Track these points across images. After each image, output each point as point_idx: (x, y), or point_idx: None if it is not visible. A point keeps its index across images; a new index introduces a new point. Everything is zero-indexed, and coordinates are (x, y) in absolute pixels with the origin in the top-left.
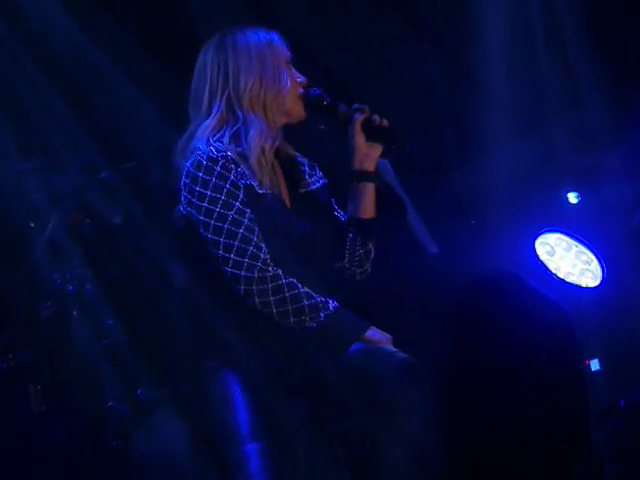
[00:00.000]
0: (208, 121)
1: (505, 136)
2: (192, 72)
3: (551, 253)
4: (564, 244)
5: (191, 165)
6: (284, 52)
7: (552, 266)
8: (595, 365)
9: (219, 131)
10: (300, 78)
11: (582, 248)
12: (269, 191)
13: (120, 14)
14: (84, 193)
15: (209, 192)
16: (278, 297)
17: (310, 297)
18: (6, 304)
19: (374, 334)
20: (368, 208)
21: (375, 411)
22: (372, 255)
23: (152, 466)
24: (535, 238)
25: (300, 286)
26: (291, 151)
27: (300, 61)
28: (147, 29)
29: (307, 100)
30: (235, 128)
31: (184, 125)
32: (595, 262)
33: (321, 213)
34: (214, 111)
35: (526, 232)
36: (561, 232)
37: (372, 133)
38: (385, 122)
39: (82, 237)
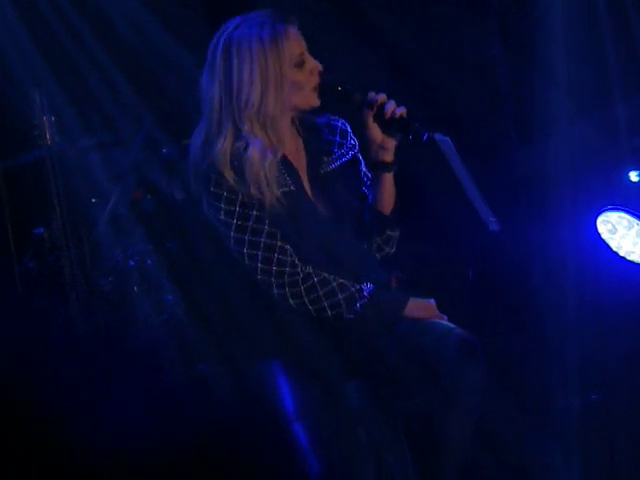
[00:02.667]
0: (220, 137)
1: (566, 115)
2: None
3: (613, 231)
4: (625, 222)
5: (202, 176)
6: (293, 48)
7: (614, 244)
8: None
9: (229, 144)
10: (316, 67)
11: None
12: (281, 190)
13: None
14: (145, 169)
15: (223, 205)
16: (312, 296)
17: (344, 289)
18: (66, 278)
19: (414, 309)
20: (386, 198)
21: (435, 389)
22: (393, 239)
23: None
24: (596, 217)
25: (332, 280)
26: (319, 123)
27: (362, 41)
28: (212, 7)
29: (322, 87)
30: (238, 143)
31: None
32: None
33: (346, 192)
34: (223, 124)
35: (587, 211)
36: (623, 210)
37: (385, 125)
38: (400, 112)
39: (143, 213)
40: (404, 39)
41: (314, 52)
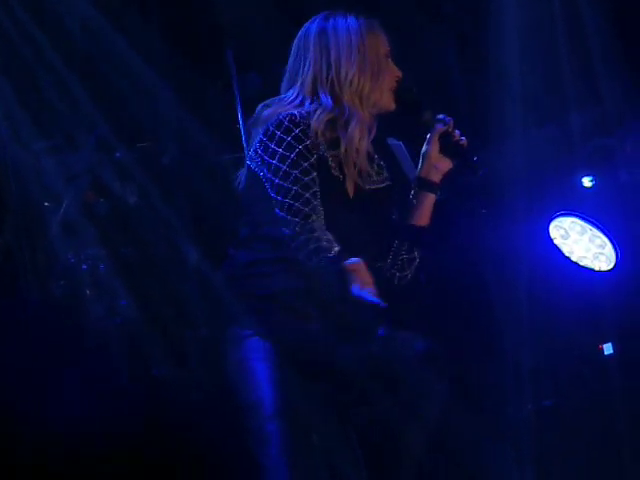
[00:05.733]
0: (317, 107)
1: (521, 121)
2: (208, 59)
3: (565, 237)
4: (578, 228)
5: (271, 124)
6: (384, 43)
7: (566, 249)
8: (608, 349)
9: (327, 113)
10: (397, 72)
11: (596, 232)
12: (340, 177)
13: (140, 1)
14: (99, 172)
15: (281, 150)
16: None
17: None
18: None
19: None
20: (423, 217)
21: (395, 398)
22: (415, 264)
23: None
24: (549, 222)
25: (335, 244)
26: (370, 145)
27: None
28: (164, 12)
29: (398, 94)
30: (336, 115)
31: (199, 107)
32: (609, 246)
33: (377, 212)
34: (321, 97)
35: (541, 216)
36: (575, 216)
37: (448, 147)
38: (464, 141)
39: (96, 216)
40: None
41: (266, 56)
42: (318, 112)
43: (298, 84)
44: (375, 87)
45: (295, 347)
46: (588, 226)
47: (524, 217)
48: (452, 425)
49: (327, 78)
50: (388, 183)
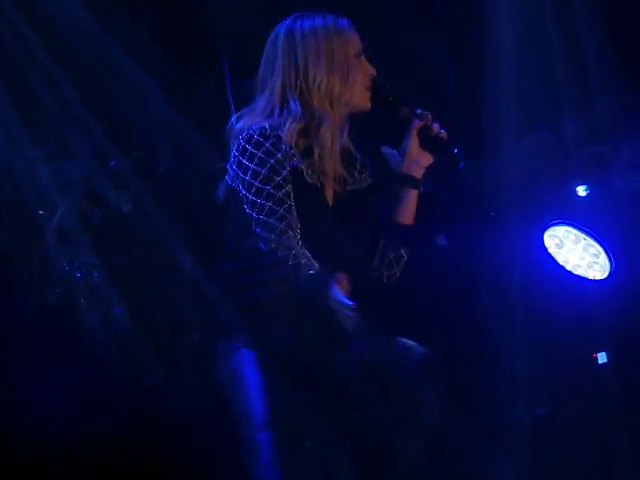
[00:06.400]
0: (287, 116)
1: (515, 130)
2: (200, 60)
3: (560, 245)
4: (572, 237)
5: (243, 138)
6: (354, 43)
7: (560, 258)
8: (602, 358)
9: (298, 122)
10: (370, 70)
11: (590, 241)
12: (318, 184)
13: (131, 1)
14: (93, 181)
15: (253, 165)
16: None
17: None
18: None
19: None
20: (407, 214)
21: (390, 405)
22: (403, 261)
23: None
24: (544, 230)
25: (313, 265)
26: (348, 144)
27: None
28: (157, 17)
29: (374, 93)
30: (306, 122)
31: (193, 113)
32: (603, 255)
33: (360, 214)
34: (290, 104)
35: (535, 224)
36: (570, 225)
37: (428, 142)
38: (444, 134)
39: (91, 225)
40: None
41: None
42: (289, 122)
43: (267, 92)
44: (345, 88)
45: (289, 356)
46: (582, 235)
47: (519, 226)
48: (448, 431)
49: (295, 84)
50: (371, 181)
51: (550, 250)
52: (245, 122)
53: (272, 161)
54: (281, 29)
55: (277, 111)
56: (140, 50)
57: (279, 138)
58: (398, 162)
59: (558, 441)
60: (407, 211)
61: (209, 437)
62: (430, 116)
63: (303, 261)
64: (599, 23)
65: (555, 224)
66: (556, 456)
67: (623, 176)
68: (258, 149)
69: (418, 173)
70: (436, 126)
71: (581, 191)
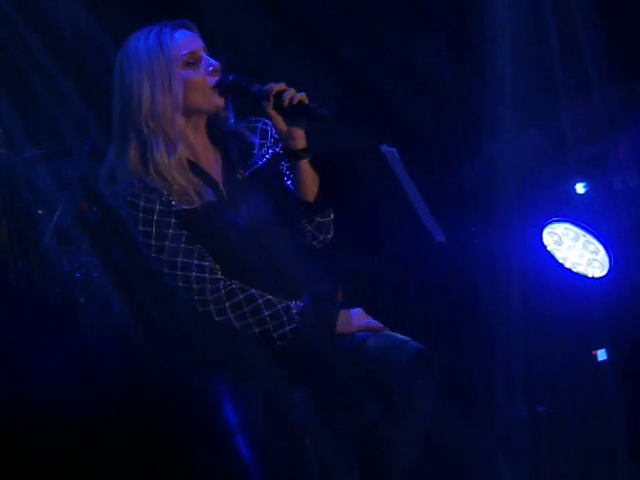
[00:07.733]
0: (128, 150)
1: (513, 126)
2: None
3: (559, 243)
4: (572, 234)
5: (120, 205)
6: (179, 49)
7: (560, 256)
8: (602, 355)
9: (136, 155)
10: (211, 66)
11: (590, 238)
12: (199, 202)
13: (130, 1)
14: (92, 181)
15: (140, 227)
16: (237, 313)
17: (271, 305)
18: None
19: (344, 325)
20: (308, 185)
21: (385, 401)
22: (326, 224)
23: None
24: (543, 228)
25: (259, 296)
26: (239, 128)
27: (313, 51)
28: (155, 15)
29: (221, 88)
30: (142, 151)
31: None
32: (602, 252)
33: (267, 193)
34: (127, 136)
35: (534, 222)
36: (569, 222)
37: (287, 114)
38: (298, 97)
39: (90, 225)
40: (352, 51)
41: (257, 64)
42: (133, 165)
43: (115, 134)
44: (169, 100)
45: (288, 354)
46: (582, 232)
47: (517, 223)
48: (445, 430)
49: (128, 113)
50: (274, 151)
51: (549, 247)
52: (105, 168)
53: (154, 216)
54: (116, 59)
55: (124, 153)
56: None
57: (148, 189)
58: (397, 160)
59: (557, 438)
60: (307, 182)
61: (207, 437)
62: (278, 86)
63: (238, 292)
64: (598, 22)
65: (554, 221)
66: (555, 454)
67: (622, 173)
68: (136, 210)
69: (300, 144)
70: (288, 93)
71: (580, 188)
